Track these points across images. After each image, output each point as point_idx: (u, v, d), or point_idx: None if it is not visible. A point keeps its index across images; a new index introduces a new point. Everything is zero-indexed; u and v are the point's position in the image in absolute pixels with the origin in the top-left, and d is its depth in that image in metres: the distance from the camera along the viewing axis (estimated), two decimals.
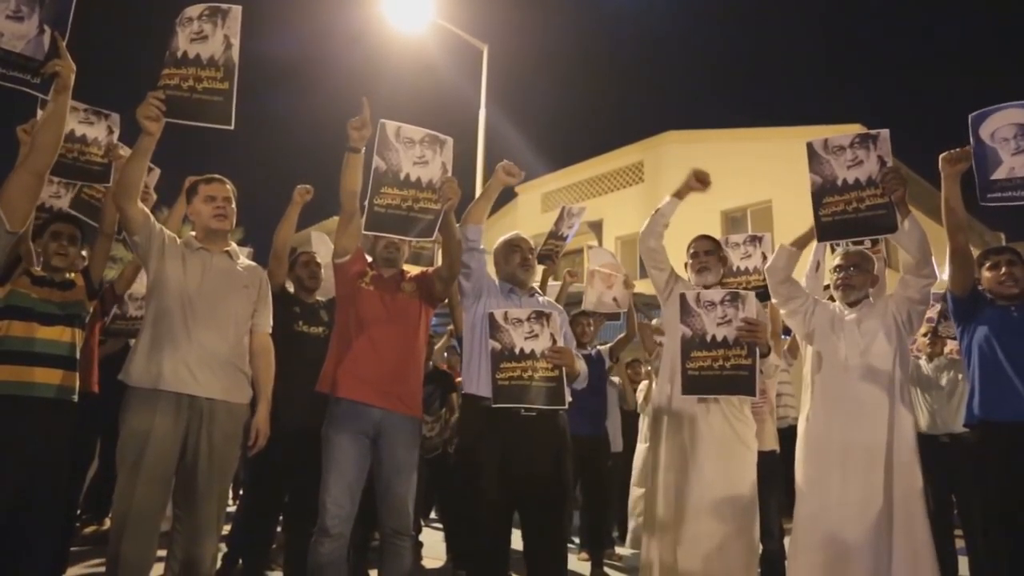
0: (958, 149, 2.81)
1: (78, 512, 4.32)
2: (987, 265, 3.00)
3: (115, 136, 3.17)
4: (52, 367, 2.69)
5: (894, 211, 2.78)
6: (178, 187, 3.12)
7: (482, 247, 2.90)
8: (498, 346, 2.67)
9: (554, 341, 2.66)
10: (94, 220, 3.25)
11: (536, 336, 2.67)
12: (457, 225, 2.84)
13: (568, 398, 2.74)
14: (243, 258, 2.86)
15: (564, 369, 2.67)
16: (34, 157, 2.24)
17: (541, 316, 2.69)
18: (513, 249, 2.97)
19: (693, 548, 2.91)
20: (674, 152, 15.11)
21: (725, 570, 2.88)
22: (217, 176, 2.76)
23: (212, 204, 2.69)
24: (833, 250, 3.27)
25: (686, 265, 3.38)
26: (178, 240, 2.67)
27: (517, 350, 2.67)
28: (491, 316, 2.70)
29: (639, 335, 4.58)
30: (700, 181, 3.17)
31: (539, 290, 3.14)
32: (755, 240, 3.74)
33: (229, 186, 2.76)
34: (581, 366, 2.87)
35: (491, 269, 3.02)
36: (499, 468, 2.65)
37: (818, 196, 2.90)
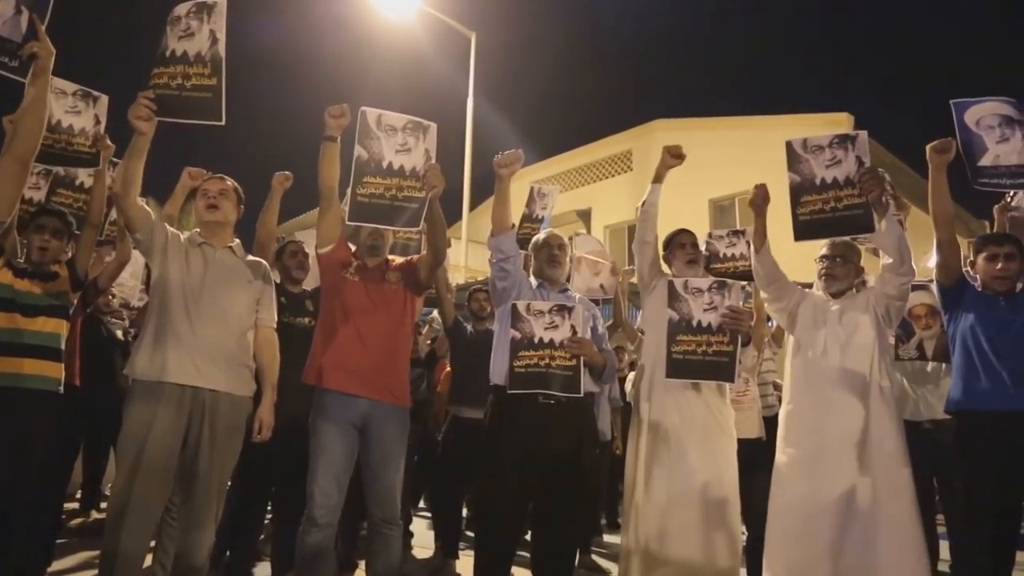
0: (945, 139, 2.82)
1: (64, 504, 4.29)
2: (984, 254, 2.89)
3: (102, 127, 3.16)
4: (35, 358, 2.70)
5: (871, 211, 2.79)
6: (164, 180, 3.10)
7: (519, 251, 2.96)
8: (518, 335, 2.74)
9: (574, 332, 2.70)
10: None
11: (556, 327, 2.73)
12: (442, 216, 2.83)
13: (594, 389, 2.77)
14: (248, 255, 2.85)
15: (583, 360, 2.72)
16: (18, 144, 2.21)
17: (563, 309, 2.75)
18: (542, 247, 3.04)
19: (674, 535, 2.93)
20: (663, 140, 14.76)
21: (706, 557, 2.90)
22: (216, 175, 2.79)
23: (205, 198, 2.71)
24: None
25: (665, 257, 3.40)
26: (182, 237, 2.67)
27: (536, 339, 2.73)
28: (514, 307, 2.77)
29: (623, 327, 4.63)
30: (675, 156, 3.18)
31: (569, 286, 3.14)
32: (737, 233, 3.86)
33: (228, 182, 2.76)
34: (609, 360, 2.91)
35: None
36: (518, 454, 2.69)
37: (796, 195, 2.92)
